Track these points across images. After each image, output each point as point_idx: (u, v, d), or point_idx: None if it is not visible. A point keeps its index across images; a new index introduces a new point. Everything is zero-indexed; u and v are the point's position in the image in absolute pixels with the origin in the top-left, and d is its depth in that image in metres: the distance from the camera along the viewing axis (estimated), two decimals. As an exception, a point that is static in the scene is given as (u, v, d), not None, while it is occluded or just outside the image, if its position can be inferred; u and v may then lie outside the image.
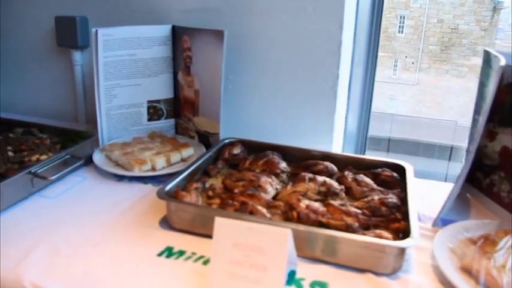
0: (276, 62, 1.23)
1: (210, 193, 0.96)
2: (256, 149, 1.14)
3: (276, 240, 0.72)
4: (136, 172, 1.10)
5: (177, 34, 1.24)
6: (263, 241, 0.73)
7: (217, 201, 0.94)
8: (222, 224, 0.75)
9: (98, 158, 1.16)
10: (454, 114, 5.04)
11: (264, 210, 0.88)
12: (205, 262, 0.81)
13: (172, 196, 0.91)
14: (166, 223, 0.92)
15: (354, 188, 0.99)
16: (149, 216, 0.95)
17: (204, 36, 1.16)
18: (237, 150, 1.12)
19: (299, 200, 0.90)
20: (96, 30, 1.16)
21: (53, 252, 0.83)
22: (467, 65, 5.26)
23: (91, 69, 1.42)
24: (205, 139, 1.24)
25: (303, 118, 1.25)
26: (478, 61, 1.13)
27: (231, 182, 0.99)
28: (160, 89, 1.29)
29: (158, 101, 1.30)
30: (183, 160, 1.17)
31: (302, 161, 1.10)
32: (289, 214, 0.89)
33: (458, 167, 1.07)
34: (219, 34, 1.12)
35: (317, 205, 0.89)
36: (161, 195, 0.89)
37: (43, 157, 1.09)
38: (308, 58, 1.20)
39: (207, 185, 0.99)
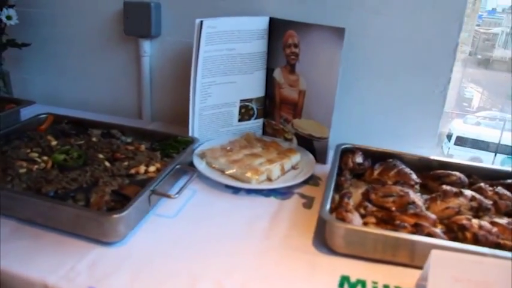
0: (383, 63, 1.15)
1: (362, 211, 0.88)
2: (371, 157, 1.07)
3: (507, 274, 0.67)
4: (254, 184, 0.99)
5: (276, 27, 1.13)
6: (490, 276, 0.67)
7: (371, 220, 0.86)
8: (440, 258, 0.68)
9: (203, 167, 1.03)
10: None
11: (439, 231, 0.82)
12: (400, 293, 0.73)
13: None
14: (322, 246, 0.83)
15: (499, 202, 0.95)
16: (297, 238, 0.86)
17: (319, 32, 1.06)
18: (359, 159, 1.04)
19: (469, 219, 0.84)
20: (201, 22, 1.02)
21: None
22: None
23: (159, 61, 1.29)
24: (307, 143, 1.14)
25: (407, 121, 1.18)
26: None
27: (377, 197, 0.92)
28: (254, 87, 1.18)
29: (250, 100, 1.19)
30: (293, 168, 1.08)
31: (424, 171, 1.04)
32: (458, 235, 0.83)
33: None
34: (338, 32, 1.02)
35: (489, 225, 0.84)
36: (328, 218, 0.80)
37: (151, 169, 0.95)
38: (419, 59, 1.12)
39: (351, 201, 0.91)
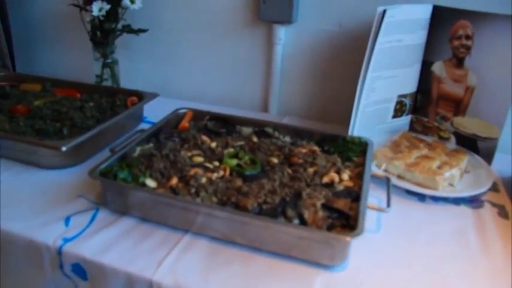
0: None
1: None
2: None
3: None
4: (442, 191, 0.91)
5: (442, 16, 1.02)
6: None
7: None
8: None
9: (381, 172, 0.95)
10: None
11: None
12: None
13: None
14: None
15: None
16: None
17: (500, 23, 0.96)
18: (541, 162, 0.98)
19: None
20: (385, 10, 0.91)
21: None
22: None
23: (292, 50, 1.18)
24: (469, 143, 1.06)
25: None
26: None
27: None
28: (410, 81, 1.08)
29: (405, 96, 1.09)
30: (465, 171, 1.00)
31: None
32: None
33: None
34: (524, 23, 0.93)
35: None
36: None
37: (344, 176, 0.86)
38: None
39: None
